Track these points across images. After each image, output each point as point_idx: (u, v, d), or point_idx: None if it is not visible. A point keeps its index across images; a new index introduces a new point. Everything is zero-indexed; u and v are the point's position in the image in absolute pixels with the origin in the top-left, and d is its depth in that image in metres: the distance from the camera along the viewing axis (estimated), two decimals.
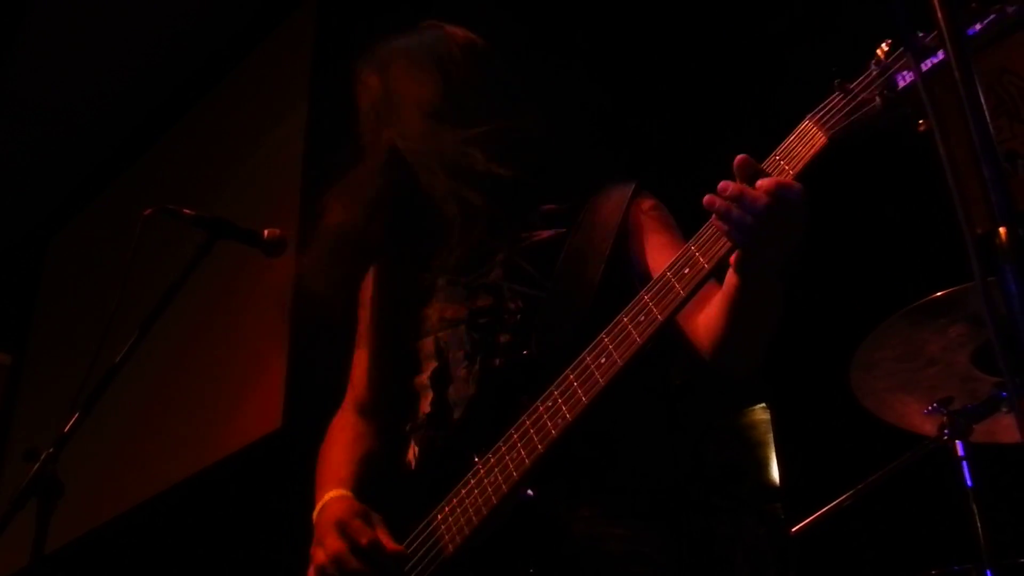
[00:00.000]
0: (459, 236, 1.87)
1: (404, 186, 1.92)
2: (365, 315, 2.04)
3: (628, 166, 1.93)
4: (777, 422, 2.92)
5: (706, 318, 1.64)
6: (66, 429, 1.82)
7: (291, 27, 5.13)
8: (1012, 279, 0.86)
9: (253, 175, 4.95)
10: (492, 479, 1.56)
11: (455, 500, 1.60)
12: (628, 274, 1.79)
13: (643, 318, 1.49)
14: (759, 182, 1.41)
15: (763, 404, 2.97)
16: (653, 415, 1.84)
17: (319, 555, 1.66)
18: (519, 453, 1.54)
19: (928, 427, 2.34)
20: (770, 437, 2.91)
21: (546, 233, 1.86)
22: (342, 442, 1.95)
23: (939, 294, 2.18)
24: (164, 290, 1.96)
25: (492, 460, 1.58)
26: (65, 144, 6.05)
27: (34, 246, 6.67)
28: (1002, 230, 0.88)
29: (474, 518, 1.56)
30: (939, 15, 0.99)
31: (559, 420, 1.52)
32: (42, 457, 1.77)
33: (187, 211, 2.01)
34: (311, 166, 4.55)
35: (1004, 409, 2.25)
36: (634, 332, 1.49)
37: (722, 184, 1.43)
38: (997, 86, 2.96)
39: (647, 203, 1.88)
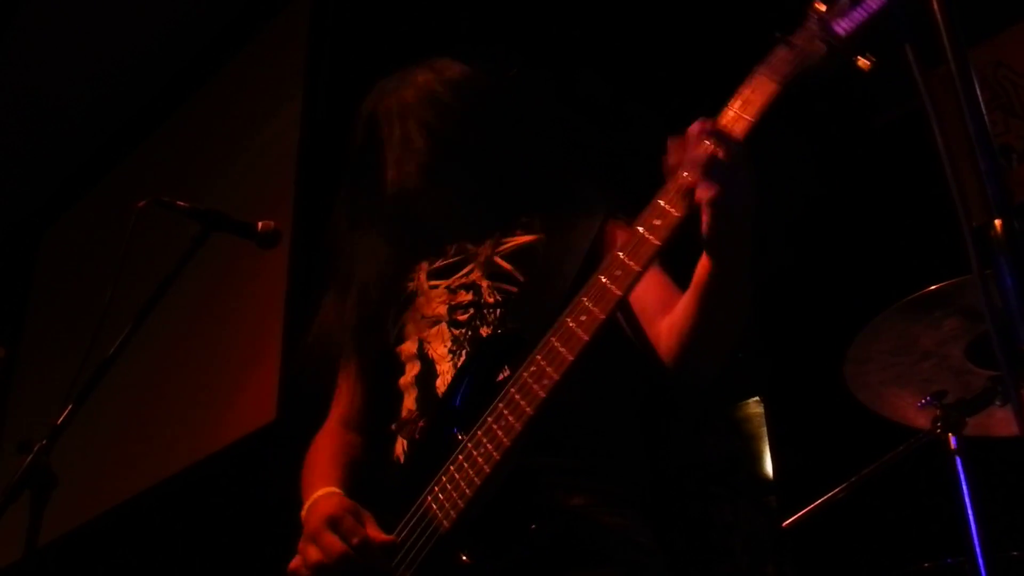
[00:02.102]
0: (440, 243, 1.92)
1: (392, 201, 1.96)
2: (349, 335, 2.05)
3: (602, 182, 1.99)
4: (771, 416, 2.92)
5: (670, 320, 1.66)
6: (59, 421, 1.82)
7: (286, 19, 5.12)
8: (1008, 272, 0.86)
9: (248, 167, 4.93)
10: (482, 450, 1.56)
11: (444, 479, 1.60)
12: None
13: (619, 272, 1.52)
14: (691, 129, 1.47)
15: (757, 398, 2.97)
16: (648, 404, 1.85)
17: (313, 553, 1.64)
18: (507, 420, 1.54)
19: (921, 420, 2.34)
20: (764, 431, 2.91)
21: (524, 237, 1.89)
22: (329, 449, 1.96)
23: (933, 288, 2.18)
24: (158, 282, 1.96)
25: (479, 433, 1.58)
26: (59, 136, 6.03)
27: (28, 238, 6.65)
28: (998, 223, 0.88)
29: (467, 490, 1.56)
30: (935, 8, 0.99)
31: (545, 381, 1.52)
32: (35, 449, 1.77)
33: (181, 203, 2.01)
34: (306, 159, 4.54)
35: (998, 402, 2.26)
36: (612, 287, 1.52)
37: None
38: (992, 80, 2.96)
39: (619, 222, 1.94)
